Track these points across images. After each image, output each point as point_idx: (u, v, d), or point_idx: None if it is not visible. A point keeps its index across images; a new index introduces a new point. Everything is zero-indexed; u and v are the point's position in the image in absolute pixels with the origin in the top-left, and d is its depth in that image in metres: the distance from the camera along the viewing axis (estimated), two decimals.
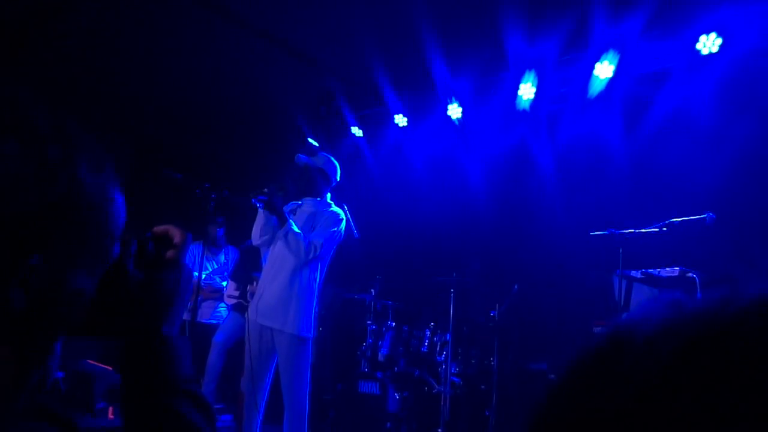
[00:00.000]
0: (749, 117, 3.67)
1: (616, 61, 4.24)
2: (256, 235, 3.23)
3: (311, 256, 2.99)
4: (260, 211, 3.13)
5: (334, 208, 3.25)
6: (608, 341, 0.30)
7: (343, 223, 3.20)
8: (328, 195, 3.29)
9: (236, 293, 4.79)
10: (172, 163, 4.87)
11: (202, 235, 4.60)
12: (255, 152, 6.02)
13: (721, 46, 3.82)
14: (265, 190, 3.03)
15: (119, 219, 0.55)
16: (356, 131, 5.61)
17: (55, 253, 0.48)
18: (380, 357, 4.20)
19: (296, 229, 3.00)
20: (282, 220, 3.00)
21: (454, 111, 5.00)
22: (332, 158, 3.31)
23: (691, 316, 0.28)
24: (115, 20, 4.42)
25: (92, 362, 3.61)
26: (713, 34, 3.84)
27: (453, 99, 4.95)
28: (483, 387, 4.11)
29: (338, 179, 3.31)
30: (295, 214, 3.21)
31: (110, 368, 3.53)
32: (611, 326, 0.32)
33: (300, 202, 3.28)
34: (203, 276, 4.79)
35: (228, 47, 4.74)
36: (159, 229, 0.69)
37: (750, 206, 3.59)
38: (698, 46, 3.89)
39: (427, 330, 4.26)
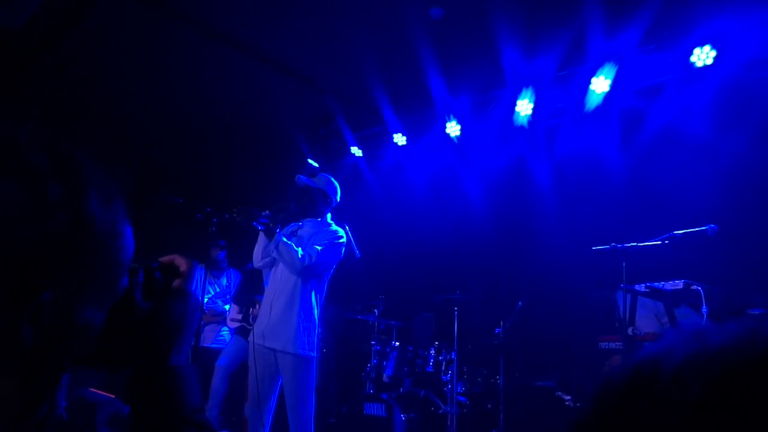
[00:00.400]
0: (745, 128, 3.69)
1: (612, 75, 4.26)
2: (257, 258, 3.24)
3: (306, 263, 2.96)
4: (261, 233, 3.14)
5: (335, 228, 3.27)
6: (633, 375, 0.29)
7: (344, 240, 3.21)
8: (329, 215, 3.29)
9: (239, 316, 4.77)
10: (172, 187, 4.88)
11: (205, 259, 4.59)
12: (255, 174, 6.03)
13: (716, 58, 3.86)
14: (266, 213, 3.04)
15: (128, 251, 0.55)
16: (356, 151, 5.62)
17: (65, 289, 0.48)
18: (385, 378, 4.18)
19: (285, 240, 3.01)
20: (270, 236, 2.99)
21: (453, 129, 5.01)
22: (332, 179, 3.33)
23: (718, 351, 0.27)
24: (115, 47, 4.47)
25: (94, 390, 3.58)
26: (707, 47, 3.87)
27: (451, 117, 4.97)
28: (489, 406, 4.08)
29: (339, 200, 3.33)
30: (296, 235, 3.20)
31: (112, 396, 3.49)
32: (633, 360, 0.31)
33: (300, 223, 3.27)
34: (205, 300, 4.78)
35: (227, 69, 4.77)
36: (165, 258, 0.69)
37: (752, 217, 3.58)
38: (692, 58, 3.93)
39: (431, 349, 4.23)
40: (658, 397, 0.27)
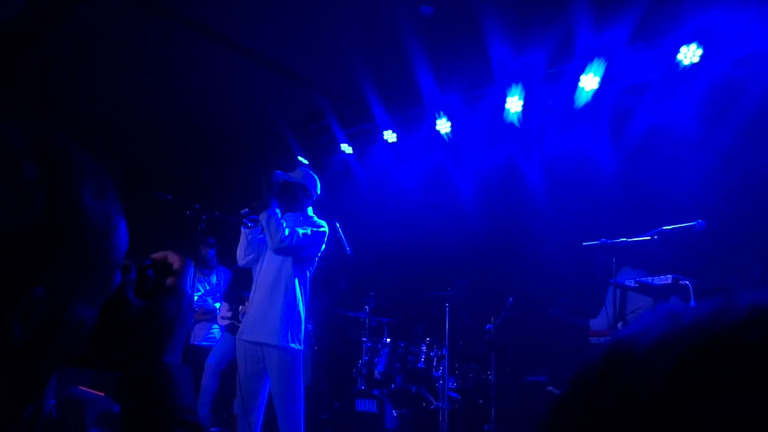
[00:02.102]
0: (732, 124, 3.73)
1: (601, 72, 4.27)
2: (240, 256, 3.26)
3: (286, 242, 2.95)
4: (243, 231, 3.15)
5: (317, 220, 3.24)
6: (608, 354, 0.30)
7: (325, 230, 3.21)
8: (310, 209, 3.30)
9: (229, 314, 4.75)
10: (161, 184, 4.85)
11: (194, 257, 4.57)
12: (244, 171, 5.90)
13: (702, 56, 3.88)
14: (244, 211, 3.05)
15: (122, 246, 0.54)
16: (346, 148, 5.60)
17: (57, 283, 0.46)
18: (377, 374, 4.18)
19: (279, 213, 3.01)
20: (266, 204, 2.98)
21: (443, 125, 5.01)
22: (311, 172, 3.33)
23: (689, 327, 0.28)
24: (101, 44, 4.41)
25: (83, 388, 3.55)
26: (693, 45, 3.90)
27: (441, 114, 4.97)
28: (481, 401, 4.08)
29: (319, 192, 3.32)
30: None
31: (102, 394, 3.46)
32: (611, 339, 0.32)
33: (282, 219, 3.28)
34: (195, 297, 4.81)
35: (214, 66, 4.70)
36: (158, 255, 0.66)
37: (739, 213, 3.61)
38: (679, 56, 3.96)
39: (423, 345, 4.23)
40: (632, 371, 0.28)
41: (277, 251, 3.02)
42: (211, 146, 6.00)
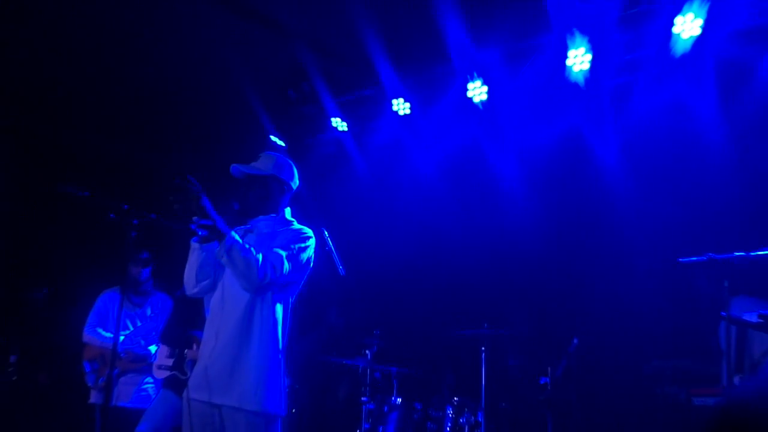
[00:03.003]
0: None
1: (704, 12, 4.15)
2: (190, 281, 3.10)
3: (269, 276, 2.92)
4: (193, 245, 3.04)
5: (298, 226, 3.20)
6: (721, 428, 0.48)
7: (313, 243, 3.17)
8: (288, 210, 3.26)
9: (169, 362, 4.64)
10: (78, 174, 4.76)
11: (121, 278, 4.56)
12: (198, 157, 5.83)
13: None
14: (195, 218, 2.96)
15: None
16: (338, 124, 5.58)
17: None
18: None
19: (240, 240, 2.90)
20: (217, 233, 2.86)
21: (477, 91, 4.98)
22: (284, 156, 3.28)
23: None
24: None
25: None
26: None
27: (475, 75, 4.95)
28: None
29: (298, 184, 3.28)
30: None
31: None
32: (722, 401, 0.30)
33: (248, 225, 3.19)
34: (121, 338, 4.71)
35: (161, 8, 4.62)
36: None
37: None
38: None
39: (448, 408, 4.21)
40: None
41: (255, 293, 2.95)
42: (153, 121, 5.88)
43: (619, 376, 4.32)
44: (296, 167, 3.34)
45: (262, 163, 3.22)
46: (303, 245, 3.10)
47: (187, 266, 3.12)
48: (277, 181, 3.21)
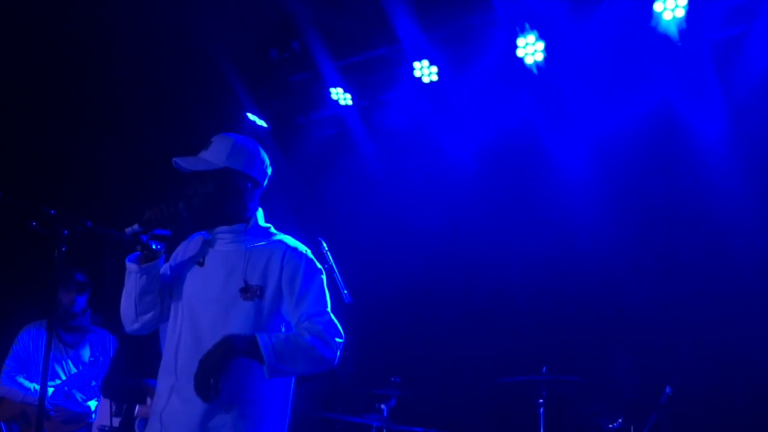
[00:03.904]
0: None
1: None
2: (128, 315, 3.12)
3: (340, 351, 3.02)
4: (130, 265, 3.01)
5: (283, 237, 3.19)
6: None
7: (320, 267, 3.21)
8: (261, 214, 3.23)
9: (115, 422, 4.78)
10: None
11: (47, 309, 4.60)
12: (150, 146, 5.91)
13: None
14: (131, 229, 2.93)
15: None
16: (340, 95, 5.69)
17: None
18: None
19: (272, 346, 2.87)
20: (253, 350, 2.84)
21: (530, 49, 5.10)
22: (244, 139, 3.24)
23: None
24: None
25: None
26: None
27: (527, 28, 5.01)
28: None
29: (269, 173, 3.27)
30: (202, 262, 3.11)
31: None
32: None
33: (207, 235, 3.18)
34: (49, 391, 4.78)
35: None
36: None
37: None
38: None
39: None
40: None
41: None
42: (92, 97, 5.98)
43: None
44: (266, 151, 3.28)
45: (213, 152, 3.15)
46: (323, 278, 3.13)
47: (124, 295, 3.14)
48: (235, 175, 3.16)
